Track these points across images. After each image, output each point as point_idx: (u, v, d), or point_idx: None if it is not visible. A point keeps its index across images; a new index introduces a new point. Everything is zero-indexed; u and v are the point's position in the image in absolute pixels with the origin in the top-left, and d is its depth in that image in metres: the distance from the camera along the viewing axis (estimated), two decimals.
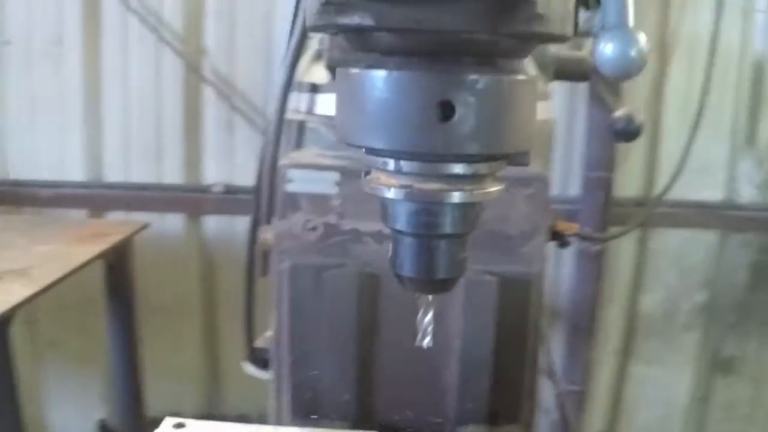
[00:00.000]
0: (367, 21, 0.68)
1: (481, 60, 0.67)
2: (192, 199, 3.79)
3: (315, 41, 1.67)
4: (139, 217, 3.71)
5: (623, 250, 3.80)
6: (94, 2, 3.64)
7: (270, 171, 1.58)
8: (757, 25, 3.65)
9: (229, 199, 3.71)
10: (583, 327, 3.78)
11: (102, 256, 3.06)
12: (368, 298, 1.48)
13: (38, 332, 3.87)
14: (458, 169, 0.69)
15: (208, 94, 3.69)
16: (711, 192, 3.78)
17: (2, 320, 2.39)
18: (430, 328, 0.92)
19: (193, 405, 4.01)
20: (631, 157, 3.65)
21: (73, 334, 3.89)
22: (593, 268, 3.70)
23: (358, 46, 0.74)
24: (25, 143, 3.79)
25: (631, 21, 0.64)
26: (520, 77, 0.73)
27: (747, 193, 3.80)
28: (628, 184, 3.71)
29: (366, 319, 1.48)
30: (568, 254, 3.72)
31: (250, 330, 1.85)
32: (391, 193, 0.72)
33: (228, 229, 3.83)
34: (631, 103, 3.48)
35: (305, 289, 1.49)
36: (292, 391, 1.53)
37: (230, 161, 3.75)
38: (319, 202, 1.46)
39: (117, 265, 3.33)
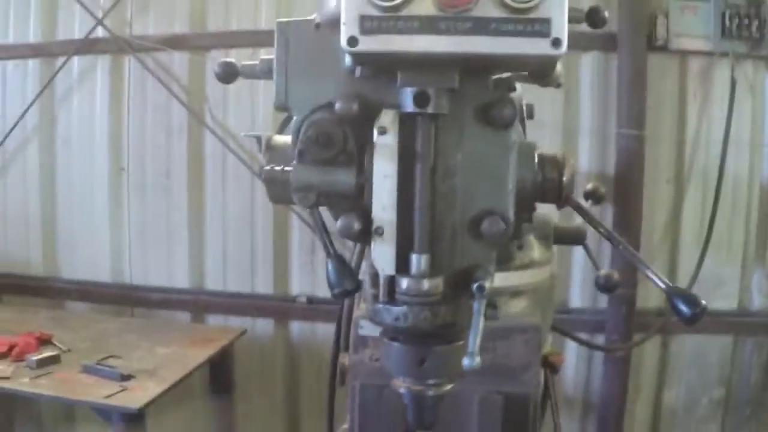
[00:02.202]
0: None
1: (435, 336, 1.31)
2: (280, 307, 4.42)
3: None
4: (235, 320, 4.39)
5: (647, 352, 4.31)
6: (198, 143, 4.36)
7: (347, 320, 2.25)
8: (764, 156, 4.21)
9: (312, 309, 4.33)
10: (612, 420, 4.23)
11: (211, 358, 3.76)
12: None
13: None
14: (431, 381, 1.32)
15: (295, 221, 4.31)
16: (725, 301, 4.26)
17: (141, 412, 3.10)
18: None
19: None
20: None
21: (175, 420, 4.30)
22: (620, 369, 4.17)
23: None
24: (139, 254, 4.49)
25: (477, 346, 1.24)
26: (456, 344, 1.32)
27: (758, 302, 4.29)
28: (649, 296, 4.23)
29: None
30: (599, 355, 4.28)
31: (331, 425, 2.51)
32: (401, 390, 1.37)
33: (310, 333, 4.42)
34: (651, 227, 4.06)
35: (369, 401, 2.09)
36: None
37: (312, 277, 4.37)
38: (380, 341, 2.12)
39: (220, 364, 4.00)
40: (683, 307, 1.36)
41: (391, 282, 1.20)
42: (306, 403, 4.51)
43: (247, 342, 4.29)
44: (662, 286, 1.36)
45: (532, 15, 0.98)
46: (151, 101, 4.41)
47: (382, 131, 1.11)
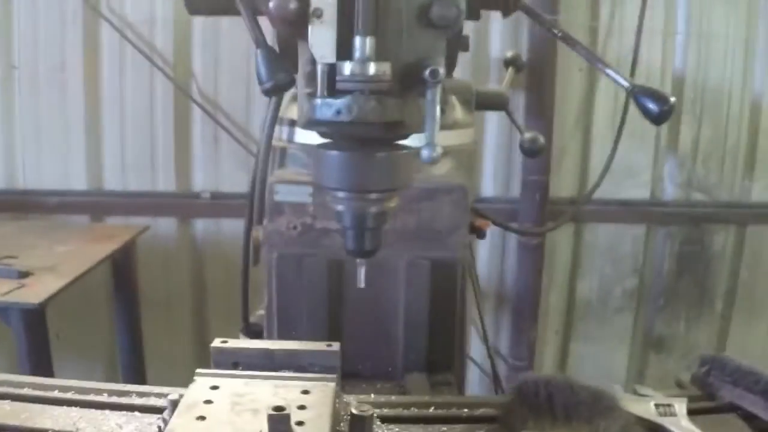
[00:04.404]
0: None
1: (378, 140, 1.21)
2: (183, 205, 4.25)
3: None
4: (136, 221, 4.16)
5: (561, 242, 4.32)
6: (93, 32, 4.07)
7: (261, 185, 2.10)
8: (677, 44, 4.18)
9: (216, 204, 4.17)
10: (526, 310, 4.26)
11: (114, 253, 3.58)
12: (335, 278, 1.99)
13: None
14: (373, 195, 1.22)
15: (196, 113, 4.13)
16: (638, 191, 4.29)
17: (42, 307, 2.90)
18: (363, 277, 1.41)
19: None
20: (565, 162, 4.17)
21: (77, 326, 4.27)
22: (534, 258, 4.19)
23: None
24: (32, 157, 4.22)
25: (435, 136, 1.14)
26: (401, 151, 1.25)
27: (671, 192, 4.32)
28: (563, 185, 4.22)
29: (334, 293, 2.00)
30: (512, 247, 4.26)
31: (245, 309, 2.36)
32: (339, 208, 1.25)
33: (215, 230, 4.28)
34: (564, 116, 4.03)
35: (289, 273, 2.01)
36: None
37: (216, 171, 4.20)
38: (298, 208, 1.98)
39: (122, 262, 3.83)
40: (651, 105, 1.29)
41: (332, 71, 1.06)
42: (213, 301, 4.39)
43: (149, 241, 4.13)
44: (625, 84, 1.28)
45: None
46: None
47: None
